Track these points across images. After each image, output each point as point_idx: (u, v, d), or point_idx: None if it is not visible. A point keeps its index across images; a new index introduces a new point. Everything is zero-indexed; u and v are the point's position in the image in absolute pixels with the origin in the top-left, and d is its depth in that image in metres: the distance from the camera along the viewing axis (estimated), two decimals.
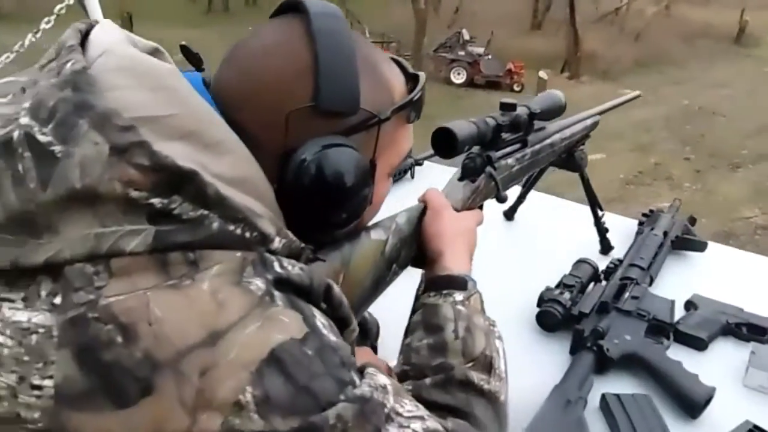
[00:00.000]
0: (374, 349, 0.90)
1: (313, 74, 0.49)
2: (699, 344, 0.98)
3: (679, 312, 1.05)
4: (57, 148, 0.39)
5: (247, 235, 0.44)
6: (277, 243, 0.47)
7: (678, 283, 1.15)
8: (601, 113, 1.20)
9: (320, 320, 0.45)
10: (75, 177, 0.39)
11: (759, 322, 1.00)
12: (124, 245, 0.39)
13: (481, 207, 0.84)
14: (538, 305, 1.04)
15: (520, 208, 1.41)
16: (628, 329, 0.96)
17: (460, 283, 0.66)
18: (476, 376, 0.58)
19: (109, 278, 0.39)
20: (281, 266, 0.45)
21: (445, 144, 0.74)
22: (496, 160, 0.84)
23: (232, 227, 0.43)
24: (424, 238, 0.71)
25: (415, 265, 0.73)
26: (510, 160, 0.89)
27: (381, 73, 0.56)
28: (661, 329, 0.98)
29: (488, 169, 0.82)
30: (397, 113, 0.56)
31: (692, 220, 1.30)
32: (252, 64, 0.51)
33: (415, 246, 0.72)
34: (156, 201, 0.40)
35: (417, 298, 0.68)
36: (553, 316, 1.00)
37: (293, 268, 0.46)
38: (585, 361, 0.91)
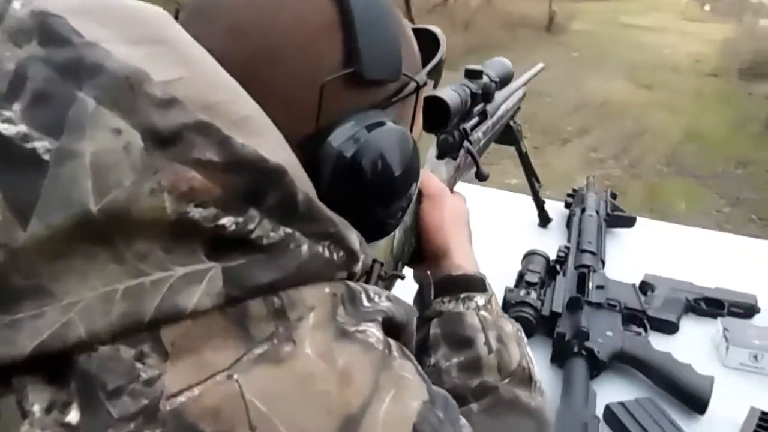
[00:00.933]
0: None
1: (343, 28, 0.36)
2: (670, 328, 0.93)
3: None
4: (40, 146, 0.25)
5: (334, 256, 0.33)
6: (361, 263, 0.36)
7: (620, 263, 1.11)
8: (524, 84, 1.13)
9: (419, 371, 0.35)
10: (85, 194, 0.25)
11: (714, 295, 0.99)
12: (180, 302, 0.26)
13: None
14: (505, 310, 0.92)
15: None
16: (606, 324, 0.88)
17: (478, 284, 0.56)
18: (522, 394, 0.50)
19: (163, 361, 0.26)
20: (369, 298, 0.35)
21: (434, 116, 0.63)
22: (470, 134, 0.75)
23: (320, 248, 0.32)
24: (426, 230, 0.60)
25: (411, 263, 0.61)
26: (479, 134, 0.81)
27: (406, 28, 0.43)
28: (634, 318, 0.92)
29: (466, 144, 0.73)
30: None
31: (614, 196, 1.28)
32: (250, 18, 0.36)
33: (414, 240, 0.61)
34: (228, 221, 0.28)
35: (423, 304, 0.56)
36: (527, 321, 0.88)
37: (381, 300, 0.35)
38: (579, 370, 0.80)
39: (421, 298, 0.58)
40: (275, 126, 0.34)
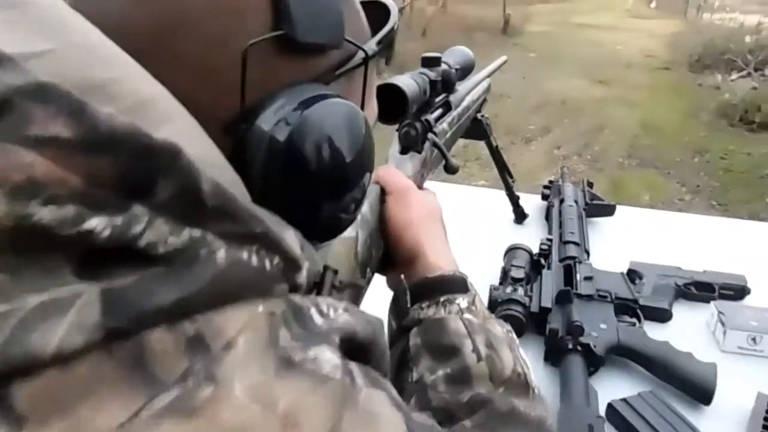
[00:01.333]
0: None
1: None
2: (664, 315, 0.89)
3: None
4: None
5: (266, 264, 0.26)
6: (305, 272, 0.29)
7: (604, 253, 1.07)
8: (488, 76, 1.10)
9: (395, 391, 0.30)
10: None
11: (703, 278, 0.95)
12: (36, 343, 0.18)
13: None
14: (492, 310, 0.86)
15: None
16: (599, 316, 0.83)
17: (458, 284, 0.50)
18: (519, 404, 0.44)
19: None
20: (322, 314, 0.28)
21: (391, 106, 0.58)
22: (434, 125, 0.71)
23: (244, 254, 0.25)
24: (394, 230, 0.54)
25: (383, 269, 0.55)
26: (445, 125, 0.76)
27: None
28: (626, 308, 0.87)
29: (431, 136, 0.68)
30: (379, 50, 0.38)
31: (590, 184, 1.25)
32: None
33: (382, 243, 0.55)
34: (99, 224, 0.20)
35: (400, 313, 0.50)
36: (517, 320, 0.83)
37: (338, 314, 0.29)
38: (576, 367, 0.75)
39: (396, 307, 0.52)
40: (193, 109, 0.27)
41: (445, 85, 0.74)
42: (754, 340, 0.80)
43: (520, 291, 0.86)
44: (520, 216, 1.19)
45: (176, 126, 0.25)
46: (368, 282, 0.54)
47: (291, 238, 0.28)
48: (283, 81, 0.31)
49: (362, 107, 0.38)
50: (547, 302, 0.85)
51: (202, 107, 0.28)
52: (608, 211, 1.18)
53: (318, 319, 0.27)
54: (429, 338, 0.47)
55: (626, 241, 1.12)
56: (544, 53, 11.63)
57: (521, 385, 0.45)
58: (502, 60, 1.36)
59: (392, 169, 0.61)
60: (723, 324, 0.83)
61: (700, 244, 1.11)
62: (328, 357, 0.26)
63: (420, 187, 0.65)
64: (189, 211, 0.23)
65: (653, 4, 16.98)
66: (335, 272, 0.35)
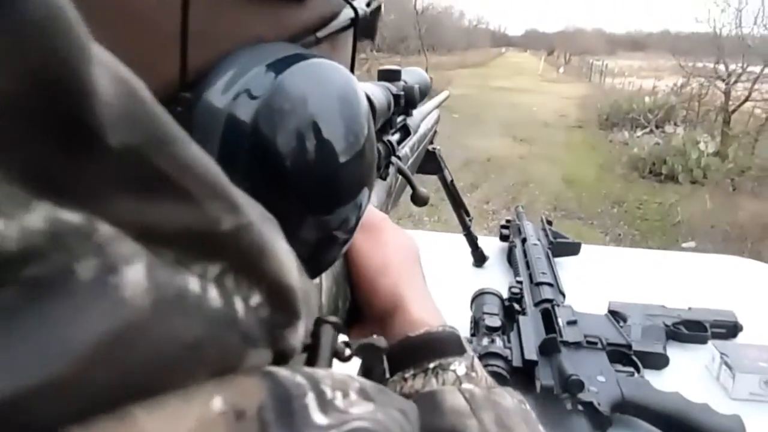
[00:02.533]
0: None
1: None
2: (660, 361, 0.77)
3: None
4: None
5: (239, 308, 0.13)
6: (302, 327, 0.16)
7: (578, 294, 0.96)
8: (437, 107, 1.02)
9: None
10: None
11: (692, 316, 0.85)
12: None
13: None
14: None
15: None
16: (594, 367, 0.70)
17: (451, 343, 0.38)
18: None
19: None
20: (322, 402, 0.14)
21: None
22: (398, 149, 0.60)
23: (192, 282, 0.12)
24: (365, 275, 0.41)
25: (349, 325, 0.42)
26: (406, 150, 0.66)
27: None
28: (621, 355, 0.75)
29: (395, 160, 0.58)
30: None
31: (549, 222, 1.15)
32: None
33: (348, 293, 0.42)
34: None
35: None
36: (500, 377, 0.68)
37: (349, 401, 0.15)
38: (580, 430, 0.61)
39: (368, 378, 0.37)
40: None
41: (408, 103, 0.64)
42: (767, 383, 0.70)
43: (498, 342, 0.72)
44: (479, 259, 1.07)
45: None
46: None
47: (285, 252, 0.15)
48: (245, 38, 0.22)
49: None
50: (531, 354, 0.71)
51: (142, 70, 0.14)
52: (573, 249, 1.08)
53: (318, 417, 0.14)
54: (420, 422, 0.33)
55: (598, 281, 1.01)
56: (467, 114, 12.20)
57: None
58: (446, 94, 1.29)
59: None
60: (729, 368, 0.72)
61: (674, 281, 1.02)
62: None
63: None
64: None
65: (561, 70, 18.46)
66: (336, 327, 0.20)
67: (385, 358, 0.37)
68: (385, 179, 0.57)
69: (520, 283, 0.89)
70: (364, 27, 0.32)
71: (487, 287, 0.86)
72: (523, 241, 1.04)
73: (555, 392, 0.65)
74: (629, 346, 0.75)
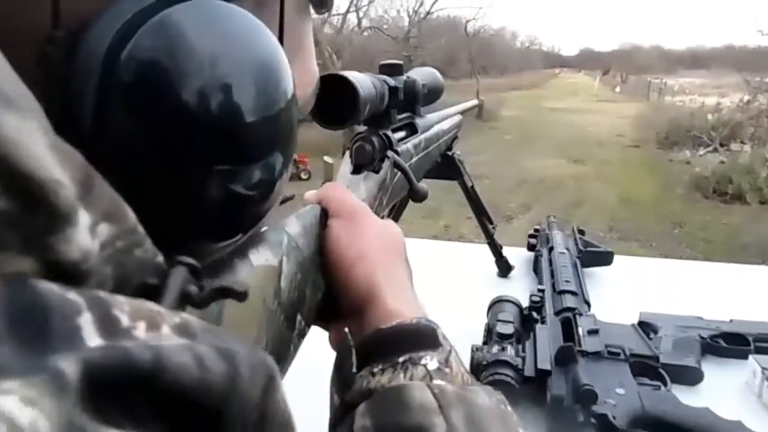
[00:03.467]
0: None
1: None
2: (693, 376, 0.70)
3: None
4: None
5: None
6: (85, 233, 0.13)
7: (607, 306, 0.90)
8: (461, 112, 1.00)
9: None
10: None
11: (733, 329, 0.78)
12: None
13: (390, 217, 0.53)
14: (475, 376, 0.67)
15: None
16: (613, 379, 0.64)
17: (424, 336, 0.35)
18: None
19: None
20: (106, 328, 0.12)
21: (338, 103, 0.47)
22: (396, 143, 0.58)
23: None
24: (340, 264, 0.39)
25: (323, 318, 0.40)
26: (409, 146, 0.63)
27: None
28: (646, 367, 0.69)
29: (391, 154, 0.56)
30: None
31: (581, 232, 1.10)
32: None
33: (321, 283, 0.39)
34: None
35: (343, 382, 0.34)
36: (508, 387, 0.64)
37: (148, 331, 0.13)
38: None
39: (339, 374, 0.35)
40: None
41: (409, 97, 0.63)
42: None
43: (510, 350, 0.68)
44: (504, 268, 1.02)
45: None
46: (301, 335, 0.37)
47: (44, 146, 0.13)
48: None
49: (281, 39, 0.27)
50: (544, 363, 0.66)
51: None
52: (605, 259, 1.02)
53: (91, 339, 0.12)
54: (383, 418, 0.31)
55: (630, 292, 0.95)
56: (519, 135, 12.05)
57: None
58: (475, 102, 1.28)
59: (340, 187, 0.46)
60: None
61: (714, 292, 0.94)
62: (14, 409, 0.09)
63: (378, 215, 0.50)
64: None
65: (618, 89, 17.97)
66: (194, 270, 0.18)
67: (353, 351, 0.35)
68: (377, 172, 0.55)
69: (542, 291, 0.85)
70: None
71: (506, 295, 0.82)
72: (550, 250, 0.99)
73: (566, 403, 0.60)
74: (656, 358, 0.69)
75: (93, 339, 0.12)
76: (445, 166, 0.95)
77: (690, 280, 1.02)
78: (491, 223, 1.02)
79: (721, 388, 0.70)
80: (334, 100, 0.48)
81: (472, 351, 0.70)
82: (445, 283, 1.00)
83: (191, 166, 0.21)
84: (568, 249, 0.99)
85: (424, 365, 0.33)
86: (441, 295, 0.93)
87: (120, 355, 0.12)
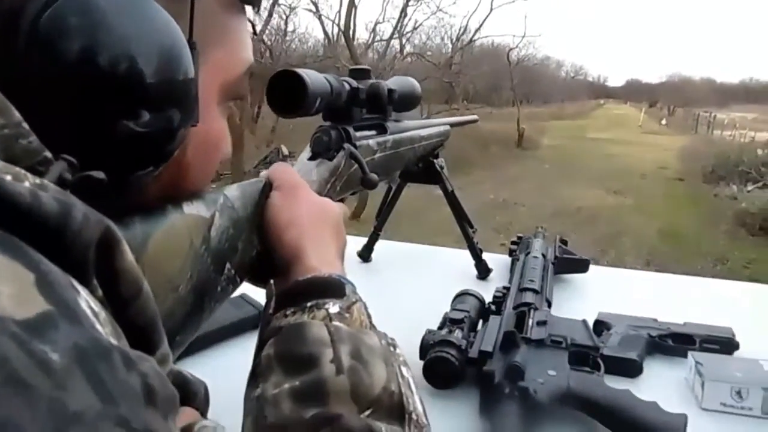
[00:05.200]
0: None
1: None
2: (632, 368, 0.74)
3: None
4: None
5: None
6: None
7: (573, 308, 0.94)
8: (453, 125, 1.06)
9: (86, 302, 0.20)
10: None
11: (682, 330, 0.81)
12: None
13: (342, 201, 0.63)
14: (422, 356, 0.73)
15: (378, 249, 1.13)
16: (549, 362, 0.69)
17: (332, 287, 0.42)
18: (384, 428, 0.34)
19: None
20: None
21: (288, 94, 0.55)
22: (356, 138, 0.66)
23: None
24: (273, 227, 0.47)
25: (257, 276, 0.49)
26: (371, 142, 0.71)
27: None
28: (585, 356, 0.73)
29: (347, 145, 0.64)
30: None
31: (564, 242, 1.14)
32: None
33: (257, 242, 0.47)
34: None
35: (265, 323, 0.42)
36: (447, 363, 0.69)
37: (16, 181, 0.20)
38: (508, 415, 0.61)
39: (263, 317, 0.43)
40: None
41: (373, 99, 0.70)
42: (739, 394, 0.65)
43: (458, 333, 0.73)
44: (483, 271, 1.08)
45: None
46: (230, 281, 0.45)
47: None
48: None
49: (190, 34, 0.33)
50: (488, 346, 0.71)
51: None
52: (580, 266, 1.06)
53: None
54: (283, 347, 0.38)
55: (599, 299, 0.98)
56: (559, 164, 11.91)
57: (394, 407, 0.36)
58: (472, 117, 1.33)
59: (284, 165, 0.54)
60: (701, 375, 0.68)
61: (684, 305, 0.97)
62: None
63: (331, 198, 0.58)
64: None
65: (664, 121, 17.55)
66: (71, 164, 0.26)
67: (274, 298, 0.43)
68: (331, 160, 0.62)
69: (507, 289, 0.90)
70: None
71: (469, 289, 0.88)
72: (527, 255, 1.04)
73: (497, 380, 0.65)
74: (596, 349, 0.73)
75: None
76: (426, 172, 1.02)
77: (663, 290, 1.04)
78: (471, 227, 1.08)
79: (663, 382, 0.73)
80: (287, 92, 0.56)
81: (424, 334, 0.75)
82: (426, 282, 1.06)
83: (94, 104, 0.28)
84: (543, 255, 1.04)
85: (326, 309, 0.40)
86: (420, 292, 0.99)
87: (20, 197, 0.19)
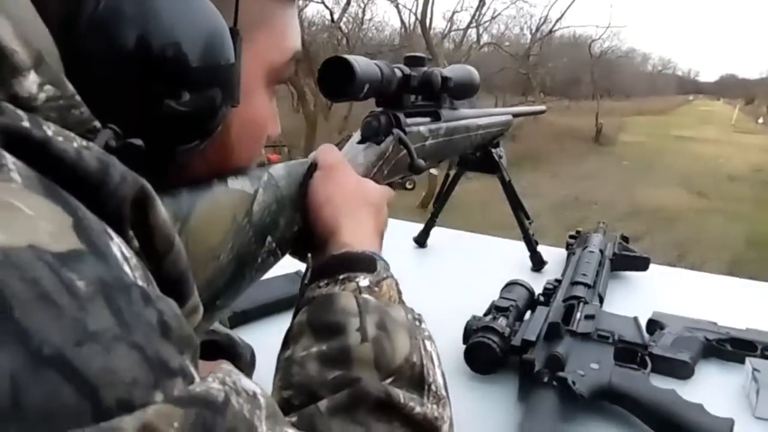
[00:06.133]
0: None
1: None
2: (683, 370, 0.72)
3: None
4: None
5: None
6: (34, 85, 0.25)
7: (628, 306, 0.91)
8: (513, 115, 1.05)
9: (119, 248, 0.22)
10: None
11: (743, 335, 0.77)
12: None
13: (390, 186, 0.63)
14: (465, 341, 0.74)
15: (434, 236, 1.15)
16: (593, 356, 0.68)
17: (364, 262, 0.44)
18: (402, 395, 0.36)
19: None
20: (36, 126, 0.23)
21: (337, 79, 0.56)
22: (406, 124, 0.67)
23: None
24: (312, 205, 0.49)
25: (298, 251, 0.51)
26: (422, 129, 0.71)
27: None
28: (632, 353, 0.72)
29: (396, 130, 0.64)
30: None
31: (625, 238, 1.10)
32: None
33: (299, 219, 0.49)
34: None
35: (301, 293, 0.45)
36: (488, 349, 0.70)
37: (66, 141, 0.23)
38: (545, 403, 0.61)
39: (300, 288, 0.46)
40: None
41: (426, 86, 0.71)
42: None
43: (502, 321, 0.74)
44: (537, 263, 1.07)
45: None
46: (272, 255, 0.48)
47: (1, 27, 0.24)
48: None
49: (235, 21, 0.36)
50: (531, 335, 0.72)
51: None
52: (640, 264, 1.03)
53: (26, 122, 0.23)
54: (314, 315, 0.41)
55: (657, 298, 0.95)
56: (638, 162, 11.34)
57: (414, 378, 0.38)
58: (540, 108, 1.31)
59: (329, 147, 0.56)
60: (756, 382, 0.65)
61: (749, 309, 0.92)
62: None
63: (377, 182, 0.60)
64: None
65: (761, 120, 16.23)
66: (116, 133, 0.29)
67: (310, 270, 0.46)
68: (379, 144, 0.64)
69: (559, 281, 0.89)
70: None
71: (521, 279, 0.88)
72: (584, 249, 1.02)
73: (537, 368, 0.66)
74: (644, 347, 0.72)
75: (29, 125, 0.23)
76: (483, 161, 1.02)
77: (728, 295, 0.99)
78: (528, 218, 1.07)
79: (716, 387, 0.71)
80: (337, 77, 0.58)
81: (470, 319, 0.77)
82: (479, 270, 1.06)
83: (141, 83, 0.31)
84: (601, 251, 1.01)
85: (357, 282, 0.43)
86: (472, 279, 1.00)
87: (26, 128, 0.22)
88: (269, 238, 0.47)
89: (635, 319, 0.78)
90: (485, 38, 13.80)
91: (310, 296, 0.43)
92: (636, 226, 8.34)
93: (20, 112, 0.23)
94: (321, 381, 0.36)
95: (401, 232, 1.20)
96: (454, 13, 13.26)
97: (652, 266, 1.05)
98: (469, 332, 0.74)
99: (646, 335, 0.74)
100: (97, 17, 0.30)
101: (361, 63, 0.58)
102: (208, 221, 0.40)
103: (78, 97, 0.27)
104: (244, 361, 0.60)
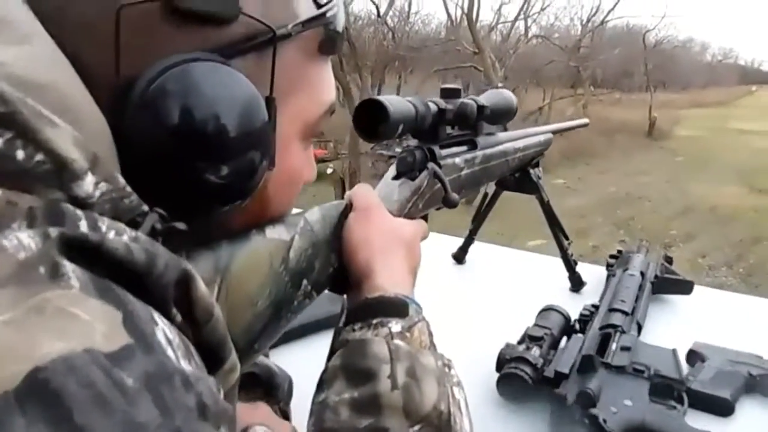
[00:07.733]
0: (285, 416, 0.63)
1: None
2: (723, 407, 0.70)
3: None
4: None
5: (20, 155, 0.25)
6: (90, 185, 0.28)
7: (668, 333, 0.90)
8: (552, 132, 1.04)
9: (163, 332, 0.25)
10: None
11: None
12: None
13: (425, 218, 0.64)
14: (498, 369, 0.75)
15: (473, 251, 1.16)
16: (626, 391, 0.68)
17: (397, 307, 0.46)
18: None
19: None
20: (92, 226, 0.26)
21: (372, 120, 0.57)
22: (441, 157, 0.67)
23: None
24: (347, 246, 0.50)
25: (335, 289, 0.52)
26: (458, 160, 0.71)
27: None
28: (668, 389, 0.71)
29: (431, 165, 0.64)
30: (303, 32, 0.38)
31: (669, 259, 1.08)
32: None
33: (335, 259, 0.51)
34: None
35: (336, 333, 0.47)
36: (520, 380, 0.71)
37: (116, 235, 0.27)
38: None
39: (335, 329, 0.48)
40: (79, 66, 0.31)
41: (461, 118, 0.71)
42: None
43: (535, 351, 0.74)
44: (576, 283, 1.06)
45: (37, 47, 0.30)
46: (306, 296, 0.50)
47: (66, 141, 0.27)
48: (172, 49, 0.33)
49: (271, 90, 0.37)
50: (564, 367, 0.72)
51: (87, 69, 0.31)
52: (683, 288, 1.00)
53: (84, 227, 0.26)
54: (348, 360, 0.43)
55: (700, 325, 0.93)
56: (693, 157, 10.88)
57: (442, 425, 0.40)
58: (582, 121, 1.28)
59: (365, 187, 0.58)
60: None
61: None
62: (23, 239, 0.23)
63: (411, 217, 0.61)
64: None
65: None
66: (162, 216, 0.32)
67: (345, 313, 0.48)
68: (413, 180, 0.65)
69: (596, 307, 0.88)
70: (326, 44, 0.43)
71: (555, 305, 0.87)
72: (624, 271, 1.00)
73: (568, 402, 0.66)
74: (681, 381, 0.71)
75: (84, 228, 0.26)
76: (522, 182, 1.01)
77: None
78: (567, 238, 1.06)
79: (754, 426, 0.69)
80: (372, 118, 0.60)
81: (503, 347, 0.77)
82: (517, 289, 1.06)
83: (189, 158, 0.34)
84: (642, 272, 0.99)
85: (389, 327, 0.44)
86: (509, 298, 1.01)
87: (83, 234, 0.25)
88: (305, 281, 0.49)
89: (674, 351, 0.77)
90: (534, 30, 13.51)
91: (344, 339, 0.45)
92: (690, 225, 8.05)
93: (79, 212, 0.26)
94: (352, 428, 0.39)
95: (440, 247, 1.21)
96: (501, 4, 13.05)
97: (696, 288, 1.02)
98: (502, 361, 0.75)
99: (684, 369, 0.73)
100: (146, 96, 0.32)
101: (394, 103, 0.59)
102: (246, 271, 0.43)
103: (128, 188, 0.30)
104: (282, 391, 0.63)
